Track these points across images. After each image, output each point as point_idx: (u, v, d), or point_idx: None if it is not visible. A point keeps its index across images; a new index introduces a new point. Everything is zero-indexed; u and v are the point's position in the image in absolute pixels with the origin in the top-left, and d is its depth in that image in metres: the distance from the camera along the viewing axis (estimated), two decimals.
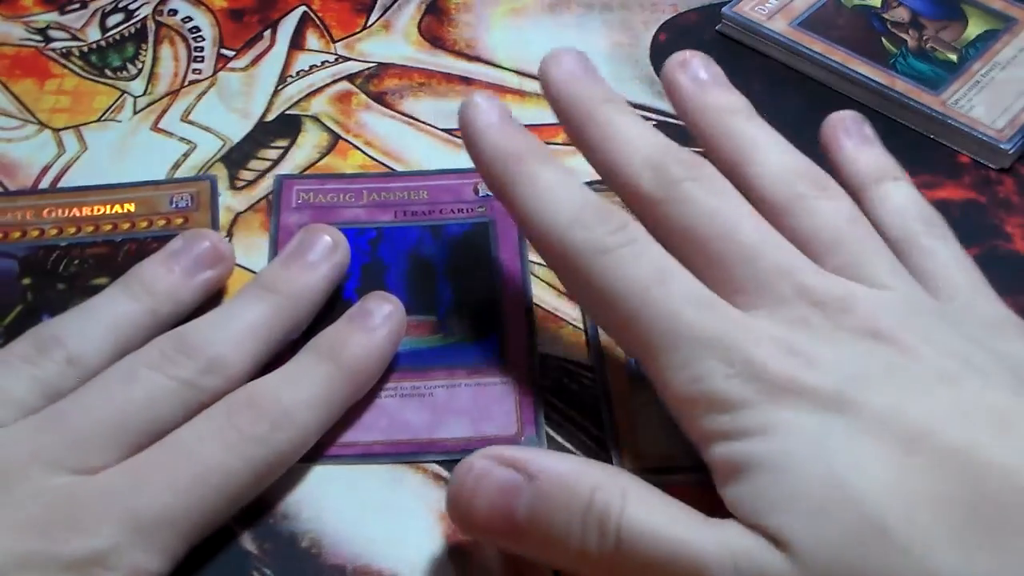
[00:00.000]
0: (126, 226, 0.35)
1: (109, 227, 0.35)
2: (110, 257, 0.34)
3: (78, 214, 0.36)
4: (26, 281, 0.34)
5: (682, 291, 0.27)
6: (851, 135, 0.33)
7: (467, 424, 0.30)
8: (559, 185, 0.29)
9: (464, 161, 0.38)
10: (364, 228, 0.35)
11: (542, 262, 0.35)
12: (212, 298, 0.33)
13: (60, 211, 0.36)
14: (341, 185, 0.37)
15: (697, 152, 0.30)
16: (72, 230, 0.35)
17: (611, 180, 0.30)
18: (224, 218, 0.36)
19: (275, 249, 0.35)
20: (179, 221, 0.35)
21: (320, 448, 0.29)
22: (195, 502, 0.26)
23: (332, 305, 0.33)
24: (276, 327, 0.30)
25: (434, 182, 0.37)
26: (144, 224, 0.35)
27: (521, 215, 0.29)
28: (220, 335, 0.29)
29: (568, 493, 0.25)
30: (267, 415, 0.27)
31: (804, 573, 0.23)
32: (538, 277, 0.34)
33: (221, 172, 0.38)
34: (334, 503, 0.29)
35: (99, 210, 0.36)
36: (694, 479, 0.27)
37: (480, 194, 0.36)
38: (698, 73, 0.33)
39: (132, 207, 0.36)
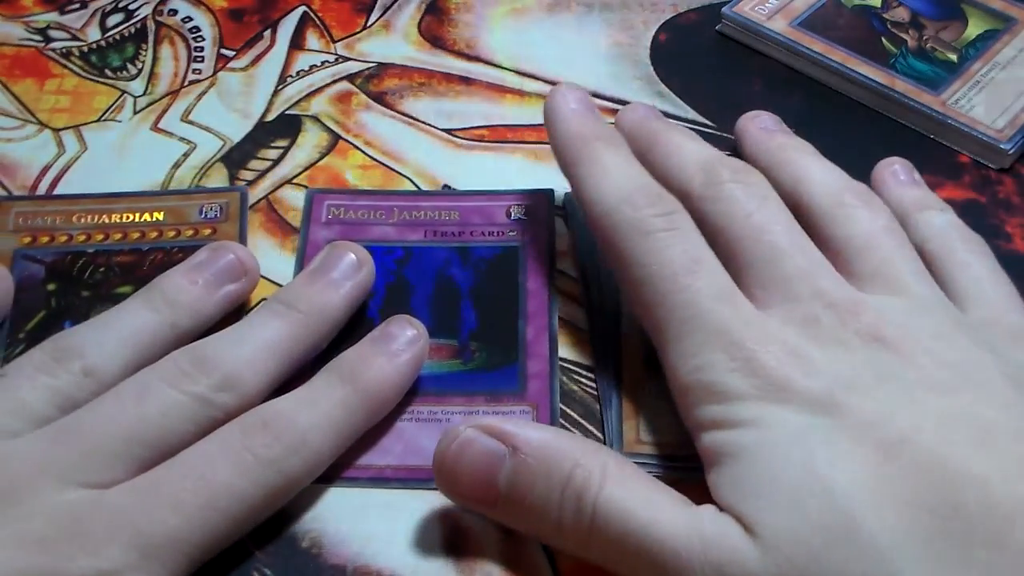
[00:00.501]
0: (154, 235, 0.35)
1: (137, 235, 0.35)
2: (136, 266, 0.34)
3: (107, 221, 0.35)
4: (51, 287, 0.34)
5: (708, 283, 0.28)
6: (899, 176, 0.35)
7: None
8: (619, 167, 0.31)
9: (462, 162, 0.39)
10: (392, 247, 0.35)
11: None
12: (234, 311, 0.32)
13: (89, 217, 0.36)
14: (372, 202, 0.37)
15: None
16: (100, 237, 0.35)
17: (665, 179, 0.31)
18: None
19: (301, 263, 0.35)
20: (207, 232, 0.35)
21: (332, 470, 0.29)
22: (203, 525, 0.26)
23: (355, 324, 0.32)
24: (295, 346, 0.30)
25: (466, 203, 0.37)
26: (172, 233, 0.35)
27: (580, 191, 0.31)
28: (237, 352, 0.29)
29: (549, 466, 0.26)
30: (282, 439, 0.27)
31: (770, 558, 0.23)
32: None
33: (221, 172, 0.38)
34: (335, 503, 0.29)
35: (128, 217, 0.36)
36: (689, 475, 0.28)
37: (512, 217, 0.36)
38: (767, 123, 0.36)
39: (161, 216, 0.36)
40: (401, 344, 0.30)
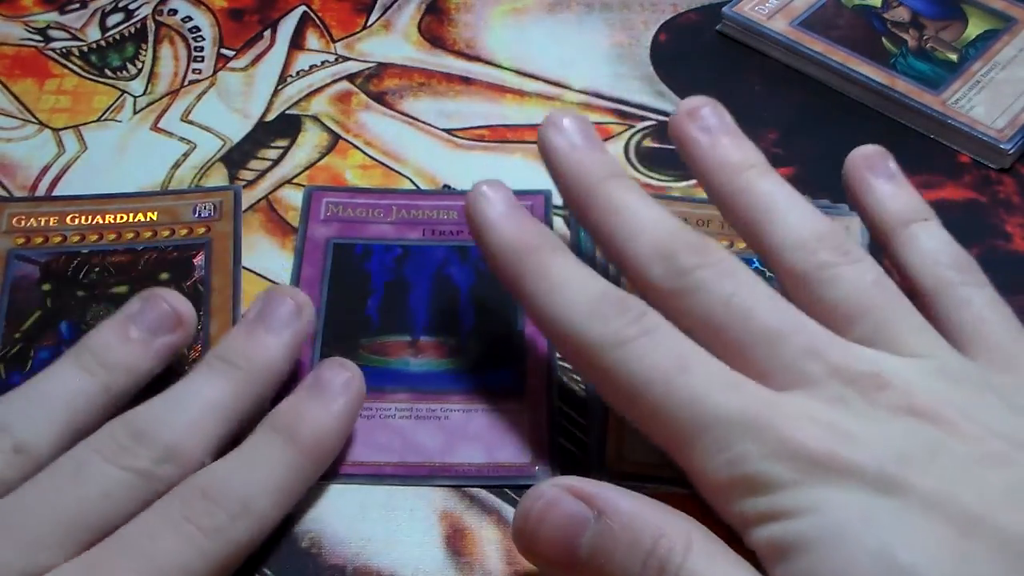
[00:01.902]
0: (148, 235, 0.35)
1: (131, 235, 0.35)
2: (131, 265, 0.34)
3: (101, 221, 0.36)
4: (46, 287, 0.34)
5: (706, 375, 0.26)
6: (877, 174, 0.32)
7: (481, 450, 0.30)
8: (573, 278, 0.28)
9: (462, 162, 0.39)
10: (390, 245, 0.35)
11: None
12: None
13: (83, 218, 0.36)
14: (371, 200, 0.37)
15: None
16: (94, 237, 0.35)
17: (620, 265, 0.29)
18: None
19: (300, 261, 0.35)
20: (201, 230, 0.35)
21: (332, 467, 0.29)
22: None
23: (354, 321, 0.32)
24: (237, 404, 0.28)
25: (464, 202, 0.37)
26: (166, 233, 0.35)
27: (535, 310, 0.29)
28: (176, 418, 0.27)
29: (633, 535, 0.24)
30: (223, 506, 0.26)
31: None
32: None
33: (221, 172, 0.38)
34: (334, 503, 0.29)
35: (122, 218, 0.36)
36: (676, 491, 0.27)
37: None
38: (710, 123, 0.31)
39: (155, 216, 0.36)
40: (336, 390, 0.29)
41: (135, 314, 0.30)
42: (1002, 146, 0.38)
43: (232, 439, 0.28)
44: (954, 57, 0.41)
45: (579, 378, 0.32)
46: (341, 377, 0.29)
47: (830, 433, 0.24)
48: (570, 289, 0.28)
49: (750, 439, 0.25)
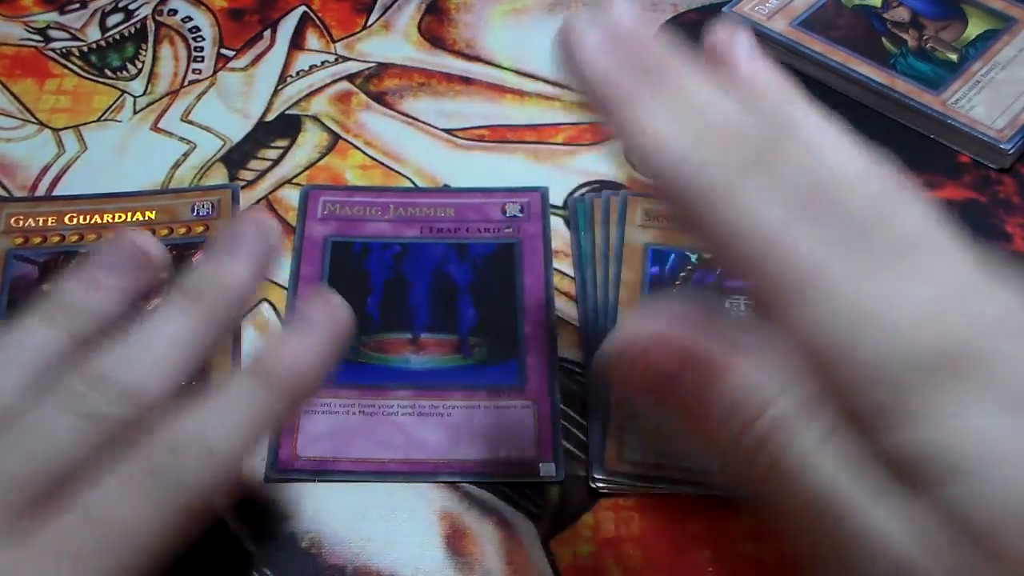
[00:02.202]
0: None
1: None
2: None
3: (99, 221, 0.36)
4: (45, 287, 0.34)
5: (824, 237, 0.22)
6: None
7: (484, 446, 0.30)
8: (686, 103, 0.24)
9: (462, 162, 0.38)
10: (389, 243, 0.35)
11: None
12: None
13: (81, 217, 0.36)
14: (368, 198, 0.37)
15: None
16: (92, 237, 0.35)
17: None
18: None
19: (298, 260, 0.35)
20: (200, 229, 0.35)
21: (336, 463, 0.29)
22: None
23: (363, 325, 0.32)
24: (202, 336, 0.27)
25: (461, 200, 0.37)
26: (165, 232, 0.35)
27: (635, 138, 0.24)
28: (137, 357, 0.26)
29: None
30: (188, 457, 0.24)
31: None
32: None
33: (221, 172, 0.38)
34: (334, 503, 0.29)
35: (120, 217, 0.36)
36: (675, 490, 0.27)
37: (507, 214, 0.36)
38: (745, 54, 0.28)
39: (153, 215, 0.36)
40: (315, 322, 0.27)
41: (99, 258, 0.28)
42: (1002, 146, 0.38)
43: (198, 369, 0.27)
44: (954, 57, 0.41)
45: (579, 379, 0.32)
46: (319, 309, 0.27)
47: (932, 327, 0.21)
48: (679, 116, 0.24)
49: (869, 327, 0.21)
